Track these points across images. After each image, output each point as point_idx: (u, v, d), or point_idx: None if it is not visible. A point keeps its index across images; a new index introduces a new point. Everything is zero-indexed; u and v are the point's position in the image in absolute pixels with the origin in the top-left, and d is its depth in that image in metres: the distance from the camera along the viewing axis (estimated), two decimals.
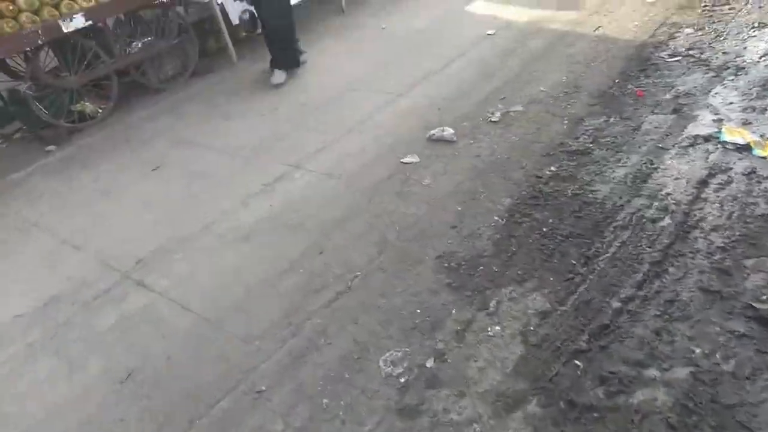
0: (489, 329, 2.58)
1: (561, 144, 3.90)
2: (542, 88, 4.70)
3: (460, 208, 3.46)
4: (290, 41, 5.89)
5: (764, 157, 3.36)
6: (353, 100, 5.12)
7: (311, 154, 4.36)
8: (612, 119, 4.11)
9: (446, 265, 3.02)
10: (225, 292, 3.15)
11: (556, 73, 4.92)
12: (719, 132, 3.65)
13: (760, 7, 5.32)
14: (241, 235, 3.62)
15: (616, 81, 4.62)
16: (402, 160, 4.04)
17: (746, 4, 5.45)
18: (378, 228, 3.42)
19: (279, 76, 5.84)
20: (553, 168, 3.66)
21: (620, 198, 3.28)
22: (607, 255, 2.87)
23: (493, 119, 4.35)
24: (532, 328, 2.54)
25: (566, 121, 4.18)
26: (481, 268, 2.96)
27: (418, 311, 2.76)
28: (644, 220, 3.07)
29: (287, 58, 5.93)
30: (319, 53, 6.40)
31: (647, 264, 2.77)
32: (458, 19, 6.60)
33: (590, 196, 3.34)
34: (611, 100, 4.37)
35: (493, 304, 2.71)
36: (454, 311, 2.71)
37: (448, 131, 4.20)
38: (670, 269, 2.72)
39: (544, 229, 3.14)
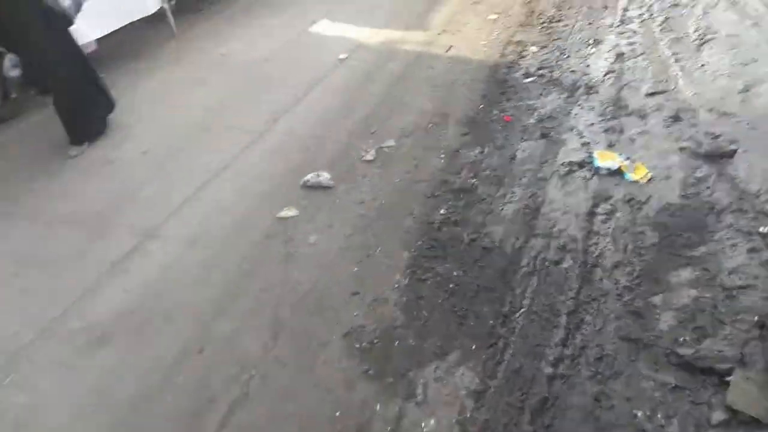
0: (423, 424, 2.28)
1: (444, 182, 3.73)
2: (410, 118, 4.52)
3: (356, 269, 3.11)
4: (82, 102, 4.41)
5: (636, 181, 3.49)
6: (207, 141, 4.49)
7: (166, 217, 3.68)
8: (486, 149, 4.05)
9: (357, 345, 2.66)
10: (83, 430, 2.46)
11: (419, 99, 4.79)
12: (591, 157, 3.74)
13: (589, 24, 5.70)
14: (95, 337, 2.89)
15: (481, 106, 4.60)
16: (278, 215, 3.58)
17: (577, 21, 5.81)
18: (267, 306, 2.94)
19: (76, 149, 4.44)
20: (442, 211, 3.46)
21: (517, 239, 3.18)
22: (523, 310, 2.73)
23: (367, 158, 4.06)
24: (468, 415, 2.29)
25: (443, 155, 4.03)
26: (397, 343, 2.65)
27: (338, 414, 2.36)
28: (547, 263, 2.99)
29: (79, 126, 4.45)
30: (156, 84, 5.57)
31: (564, 315, 2.67)
32: (305, 41, 6.21)
33: (487, 240, 3.20)
34: (481, 127, 4.33)
35: (419, 389, 2.42)
36: (378, 407, 2.37)
37: (324, 176, 3.83)
38: (587, 318, 2.65)
39: (451, 286, 2.92)
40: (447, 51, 5.63)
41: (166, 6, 6.22)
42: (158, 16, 6.18)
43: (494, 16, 6.26)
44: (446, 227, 3.33)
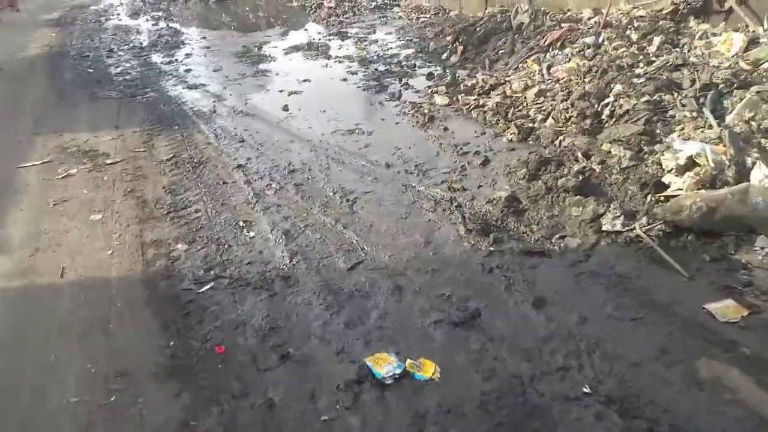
0: None
1: None
2: (53, 400, 2.83)
3: None
4: None
5: (431, 378, 2.97)
6: None
7: None
8: (226, 406, 2.82)
9: None
10: None
11: (60, 369, 3.10)
12: (365, 366, 3.03)
13: (223, 204, 5.06)
14: None
15: (172, 343, 3.30)
16: None
17: (207, 204, 5.07)
18: None
19: None
20: None
21: None
22: None
23: None
24: None
25: None
26: None
27: None
28: None
29: None
30: None
31: None
32: None
33: None
34: (193, 374, 3.05)
35: None
36: None
37: None
38: None
39: None
40: (62, 276, 3.99)
41: None
42: None
43: (98, 216, 4.89)
44: None
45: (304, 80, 8.89)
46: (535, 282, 3.68)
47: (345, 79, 8.90)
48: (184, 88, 8.79)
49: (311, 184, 5.34)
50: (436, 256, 4.09)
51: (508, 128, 6.05)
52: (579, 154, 4.87)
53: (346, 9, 15.15)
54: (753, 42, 6.50)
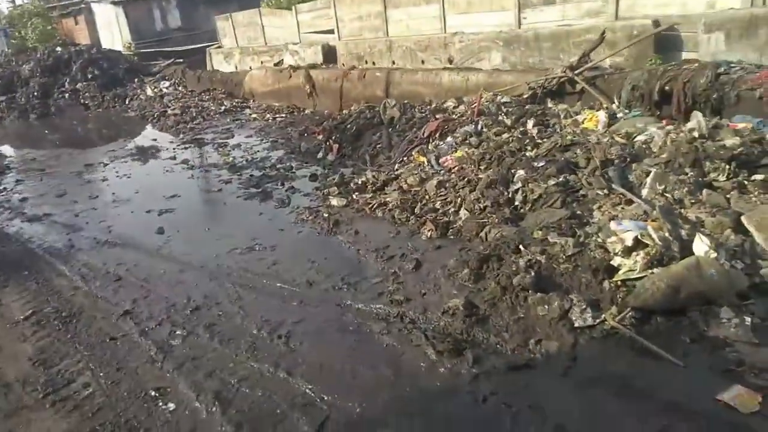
0: None
1: None
2: None
3: None
4: None
5: None
6: None
7: None
8: None
9: None
10: None
11: None
12: None
13: (118, 369, 3.96)
14: None
15: None
16: None
17: None
18: None
19: None
20: None
21: None
22: None
23: None
24: None
25: None
26: None
27: None
28: None
29: None
30: None
31: None
32: None
33: None
34: None
35: None
36: None
37: None
38: None
39: None
40: None
41: None
42: None
43: None
44: None
45: (172, 196, 7.93)
46: (542, 406, 3.21)
47: (220, 190, 8.12)
48: (23, 221, 7.31)
49: (225, 322, 4.45)
50: (415, 390, 3.47)
51: (423, 224, 5.74)
52: (519, 246, 4.66)
53: (194, 115, 14.40)
54: (612, 117, 7.12)
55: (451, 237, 5.49)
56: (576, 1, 9.57)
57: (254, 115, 13.77)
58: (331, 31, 14.41)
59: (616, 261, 4.28)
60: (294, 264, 5.31)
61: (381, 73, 11.83)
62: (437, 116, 8.35)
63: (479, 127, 7.53)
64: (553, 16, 9.81)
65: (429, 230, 5.64)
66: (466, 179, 6.33)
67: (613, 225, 4.48)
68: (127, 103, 18.05)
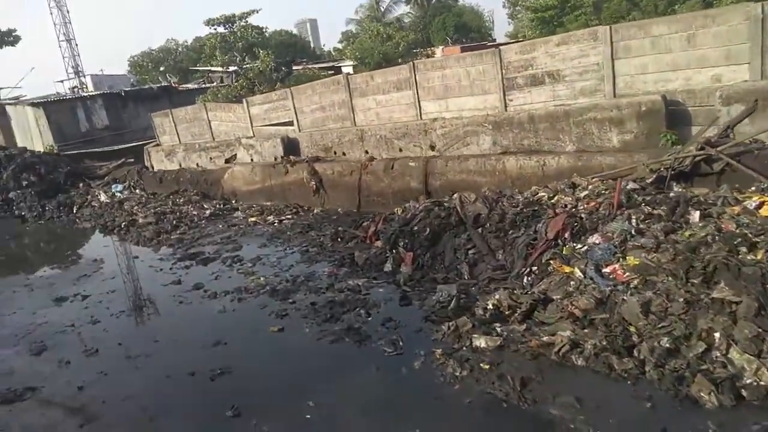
0: None
1: None
2: None
3: None
4: None
5: None
6: None
7: None
8: None
9: None
10: None
11: None
12: None
13: None
14: None
15: None
16: None
17: None
18: None
19: None
20: None
21: None
22: None
23: None
24: None
25: None
26: None
27: None
28: None
29: None
30: None
31: None
32: None
33: None
34: None
35: None
36: None
37: None
38: None
39: None
40: None
41: None
42: None
43: None
44: None
45: (216, 343, 5.55)
46: None
47: (281, 329, 5.80)
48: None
49: None
50: None
51: (693, 382, 3.77)
52: None
53: (174, 223, 11.91)
54: None
55: (755, 402, 3.52)
56: (568, 81, 8.84)
57: (252, 219, 11.50)
58: (289, 123, 13.26)
59: None
60: None
61: (416, 162, 10.10)
62: (557, 211, 6.57)
63: (633, 222, 5.80)
64: (542, 97, 9.21)
65: (704, 392, 3.66)
66: (683, 300, 4.48)
67: None
68: (75, 212, 15.22)
